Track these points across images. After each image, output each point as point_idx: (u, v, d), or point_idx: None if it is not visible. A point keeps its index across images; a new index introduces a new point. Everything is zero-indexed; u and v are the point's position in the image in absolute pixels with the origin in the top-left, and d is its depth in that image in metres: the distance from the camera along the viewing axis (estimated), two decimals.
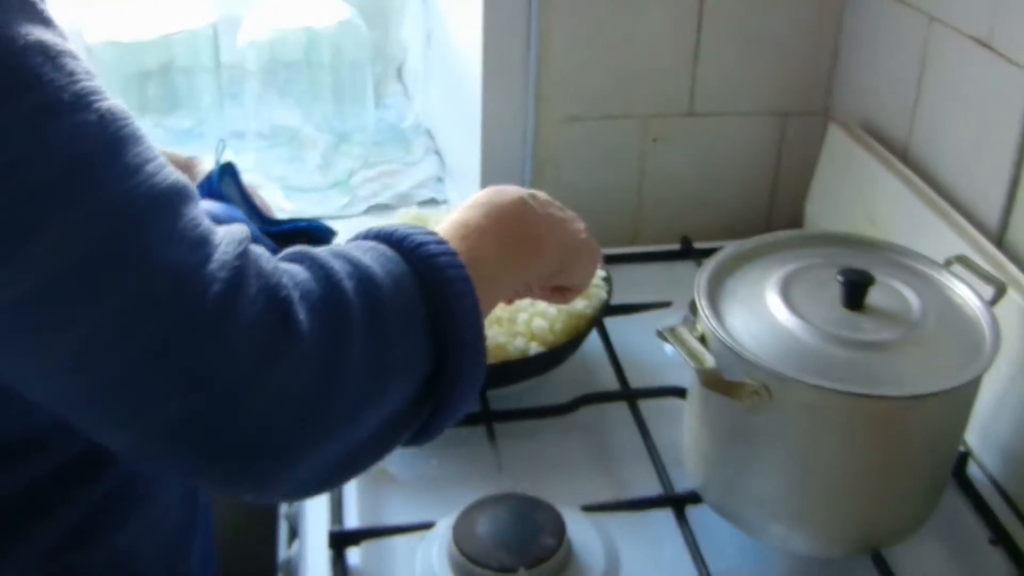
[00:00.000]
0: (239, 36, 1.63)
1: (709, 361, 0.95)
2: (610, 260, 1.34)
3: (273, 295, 0.70)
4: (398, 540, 1.08)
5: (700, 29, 1.53)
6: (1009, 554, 1.08)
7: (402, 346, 0.77)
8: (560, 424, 1.23)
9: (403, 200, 1.66)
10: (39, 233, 0.65)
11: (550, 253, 0.98)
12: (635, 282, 1.43)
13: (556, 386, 1.28)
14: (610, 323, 1.36)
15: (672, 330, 0.99)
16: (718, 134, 1.61)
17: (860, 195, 1.45)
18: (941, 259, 1.10)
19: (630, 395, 1.26)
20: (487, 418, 1.20)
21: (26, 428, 0.82)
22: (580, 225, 1.06)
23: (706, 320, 0.99)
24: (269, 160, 1.68)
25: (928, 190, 1.33)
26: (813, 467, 0.99)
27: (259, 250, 0.73)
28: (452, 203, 1.69)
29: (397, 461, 1.19)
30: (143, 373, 0.67)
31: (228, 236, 0.71)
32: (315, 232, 1.30)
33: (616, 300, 1.32)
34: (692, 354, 0.96)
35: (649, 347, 1.36)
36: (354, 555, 1.07)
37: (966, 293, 1.04)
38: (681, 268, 1.52)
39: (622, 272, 1.36)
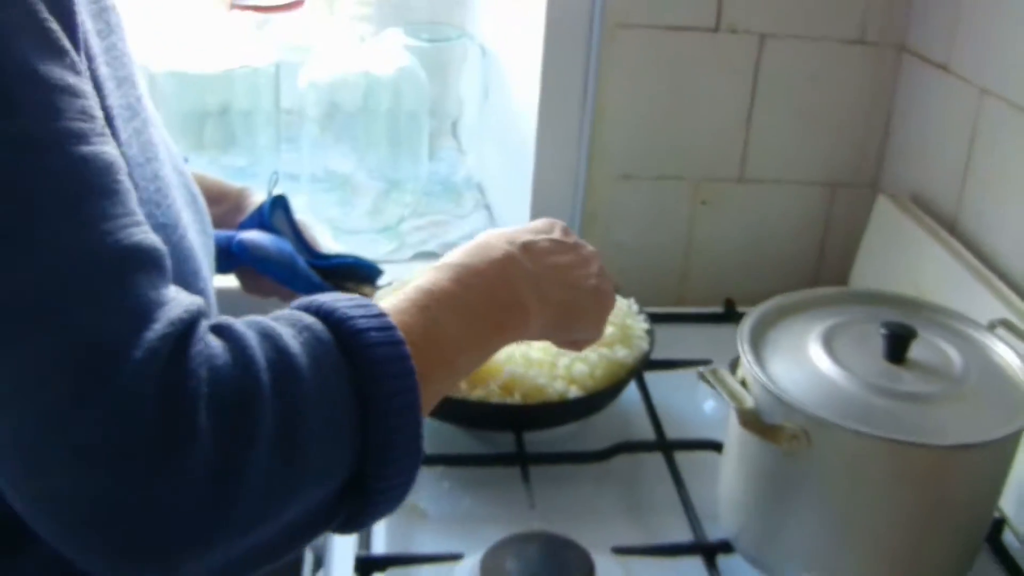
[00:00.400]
0: (300, 77, 1.66)
1: (749, 401, 0.95)
2: (654, 319, 1.34)
3: (179, 390, 0.65)
4: (425, 571, 1.07)
5: (754, 98, 1.55)
6: None
7: (319, 453, 0.70)
8: (595, 471, 1.23)
9: (451, 249, 1.67)
10: None
11: (538, 317, 0.90)
12: (677, 341, 1.42)
13: (593, 434, 1.28)
14: (650, 377, 1.36)
15: (713, 371, 0.99)
16: (767, 201, 1.61)
17: (906, 266, 1.45)
18: (984, 322, 1.10)
19: (666, 446, 1.25)
20: (522, 459, 1.20)
21: None
22: (591, 269, 0.98)
23: (748, 364, 0.99)
24: (321, 203, 1.70)
25: (974, 260, 1.33)
26: (849, 517, 0.98)
27: (198, 329, 0.68)
28: None
29: (428, 497, 1.19)
30: (36, 435, 0.64)
31: (166, 314, 0.67)
32: (362, 270, 1.31)
33: (657, 357, 1.32)
34: (732, 394, 0.97)
35: (687, 403, 1.37)
36: None
37: (1008, 354, 1.04)
38: (724, 331, 1.51)
39: (665, 331, 1.36)
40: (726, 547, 1.09)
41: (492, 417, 1.21)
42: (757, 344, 1.03)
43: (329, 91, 1.66)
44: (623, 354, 1.24)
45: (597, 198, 1.57)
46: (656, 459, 1.24)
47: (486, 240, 0.90)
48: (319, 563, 1.24)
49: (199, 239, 0.93)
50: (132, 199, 0.71)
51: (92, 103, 0.71)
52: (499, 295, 0.86)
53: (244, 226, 1.27)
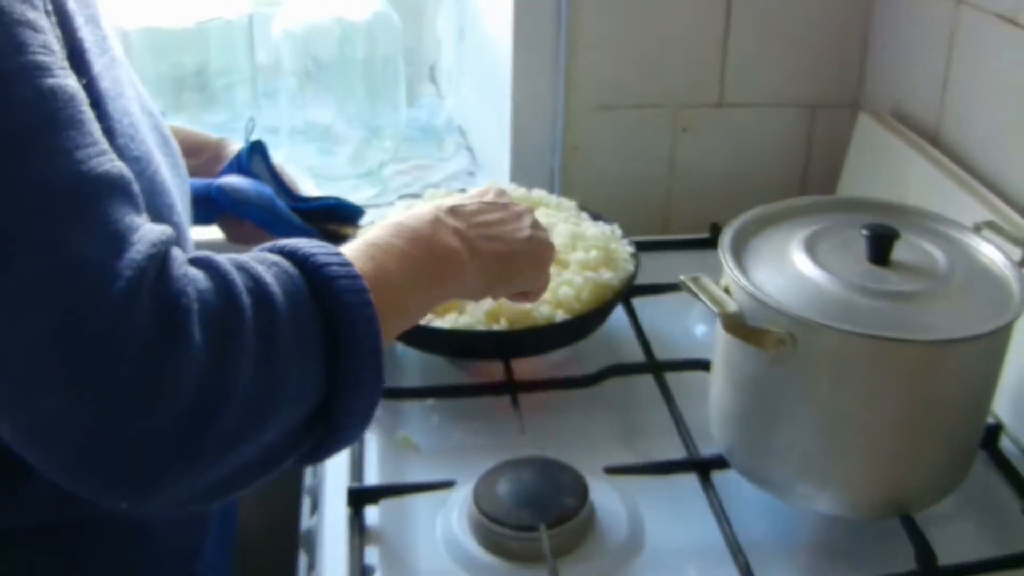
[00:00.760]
0: (273, 26, 1.65)
1: (732, 306, 0.95)
2: (640, 247, 1.33)
3: (172, 304, 0.68)
4: (418, 501, 1.07)
5: (729, 20, 1.54)
6: None
7: (294, 374, 0.73)
8: (585, 396, 1.23)
9: (434, 189, 1.66)
10: None
11: (473, 268, 0.95)
12: (664, 267, 1.41)
13: (582, 360, 1.28)
14: (637, 303, 1.36)
15: (695, 279, 0.98)
16: (748, 125, 1.61)
17: (891, 181, 1.44)
18: (970, 225, 1.09)
19: (656, 367, 1.25)
20: (511, 388, 1.20)
21: None
22: (523, 223, 1.04)
23: (729, 270, 0.98)
24: (302, 154, 1.70)
25: (957, 169, 1.33)
26: (839, 420, 0.97)
27: (175, 253, 0.71)
28: None
29: (419, 430, 1.19)
30: (27, 359, 0.65)
31: (145, 236, 0.69)
32: (343, 210, 1.30)
33: (644, 282, 1.31)
34: (715, 300, 0.96)
35: (676, 326, 1.37)
36: (372, 515, 1.06)
37: (994, 254, 1.03)
38: (710, 256, 1.49)
39: (651, 258, 1.36)
40: (720, 462, 1.09)
41: (480, 345, 1.20)
42: (739, 253, 1.02)
43: (304, 40, 1.65)
44: (608, 276, 1.23)
45: (577, 131, 1.56)
46: (647, 381, 1.24)
47: (418, 208, 0.96)
48: (315, 505, 1.24)
49: (173, 179, 0.93)
50: (96, 129, 0.72)
51: (51, 37, 0.72)
52: (435, 249, 0.92)
53: (223, 173, 1.27)
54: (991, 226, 1.09)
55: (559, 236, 1.26)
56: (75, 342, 0.65)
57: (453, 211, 0.97)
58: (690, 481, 1.09)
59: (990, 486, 1.11)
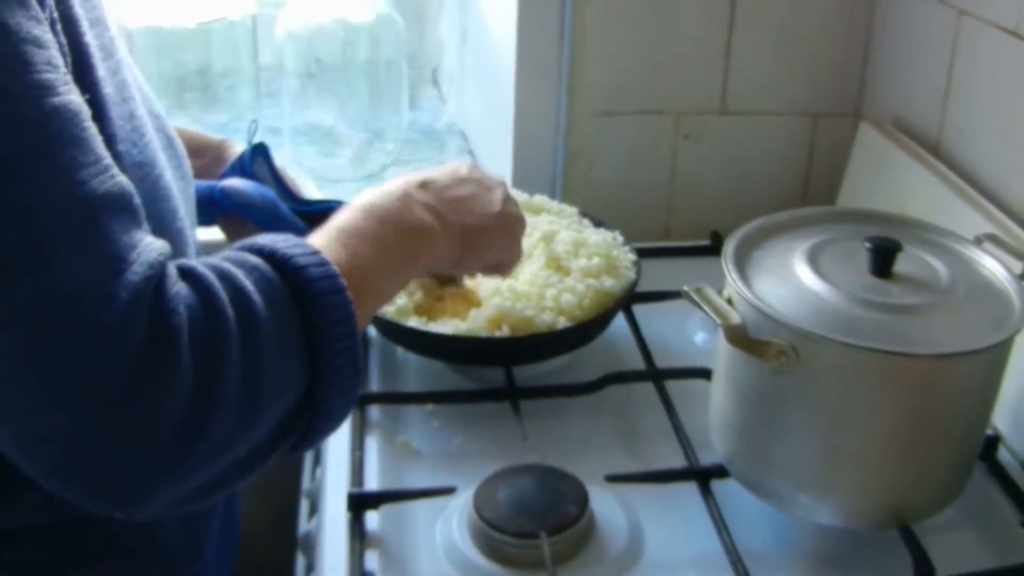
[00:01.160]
0: (277, 28, 1.64)
1: (735, 317, 0.95)
2: (641, 254, 1.33)
3: (165, 324, 0.69)
4: (418, 507, 1.07)
5: (732, 27, 1.54)
6: None
7: (277, 377, 0.76)
8: (586, 403, 1.23)
9: None
10: None
11: (444, 240, 0.97)
12: (664, 274, 1.41)
13: (583, 367, 1.28)
14: (638, 310, 1.36)
15: (698, 289, 0.98)
16: (750, 133, 1.61)
17: (892, 191, 1.44)
18: (971, 238, 1.09)
19: (657, 375, 1.25)
20: (512, 394, 1.20)
21: None
22: (494, 196, 1.05)
23: (733, 281, 0.98)
24: (304, 155, 1.70)
25: (959, 180, 1.33)
26: (840, 432, 0.97)
27: (170, 271, 0.72)
28: None
29: (419, 435, 1.19)
30: (23, 378, 0.67)
31: (142, 256, 0.71)
32: None
33: (645, 289, 1.31)
34: (718, 311, 0.96)
35: (677, 334, 1.37)
36: (373, 520, 1.06)
37: (995, 267, 1.04)
38: (711, 263, 1.49)
39: (652, 265, 1.36)
40: (720, 471, 1.09)
41: (482, 352, 1.20)
42: (742, 263, 1.03)
43: (307, 41, 1.65)
44: (610, 284, 1.23)
45: (579, 136, 1.56)
46: (647, 389, 1.24)
47: (389, 183, 0.97)
48: (314, 508, 1.24)
49: (177, 182, 0.93)
50: (99, 143, 0.73)
51: (55, 52, 0.73)
52: (406, 226, 0.94)
53: (226, 175, 1.27)
54: (992, 239, 1.09)
55: (561, 243, 1.26)
56: (71, 362, 0.67)
57: (424, 185, 0.98)
58: (690, 490, 1.09)
59: (988, 497, 1.11)
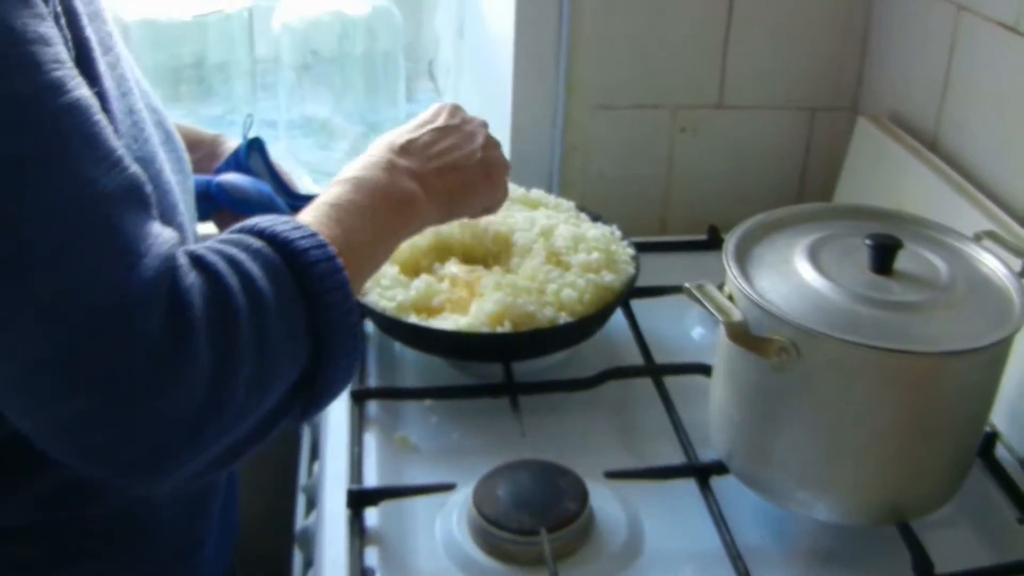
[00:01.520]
0: (273, 21, 1.64)
1: (736, 315, 0.95)
2: (638, 248, 1.33)
3: (181, 315, 0.72)
4: (417, 503, 1.07)
5: (730, 21, 1.54)
6: None
7: (284, 355, 0.80)
8: (585, 398, 1.23)
9: None
10: None
11: (430, 204, 1.01)
12: (662, 269, 1.41)
13: (581, 362, 1.28)
14: (636, 305, 1.36)
15: (700, 286, 0.98)
16: (747, 127, 1.61)
17: (889, 186, 1.44)
18: (969, 235, 1.09)
19: (655, 371, 1.25)
20: (511, 389, 1.20)
21: None
22: (475, 143, 1.08)
23: (734, 278, 0.98)
24: (300, 148, 1.69)
25: (956, 176, 1.33)
26: (840, 428, 0.97)
27: (180, 261, 0.75)
28: None
29: (417, 431, 1.19)
30: (47, 370, 0.70)
31: (155, 247, 0.73)
32: None
33: (643, 284, 1.31)
34: (719, 308, 0.96)
35: (675, 329, 1.37)
36: (372, 517, 1.06)
37: (995, 264, 1.04)
38: (708, 258, 1.51)
39: (649, 260, 1.36)
40: (719, 468, 1.09)
41: (483, 348, 1.20)
42: (742, 260, 1.02)
43: (303, 34, 1.65)
44: (610, 279, 1.23)
45: (576, 130, 1.56)
46: (645, 384, 1.24)
47: (372, 151, 1.02)
48: (311, 504, 1.24)
49: (176, 176, 0.93)
50: (109, 134, 0.74)
51: (61, 48, 0.73)
52: (394, 195, 0.98)
53: (220, 170, 1.27)
54: (991, 236, 1.09)
55: (561, 237, 1.26)
56: (92, 353, 0.69)
57: (405, 149, 1.02)
58: (689, 486, 1.09)
59: (985, 494, 1.12)
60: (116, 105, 0.82)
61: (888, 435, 0.97)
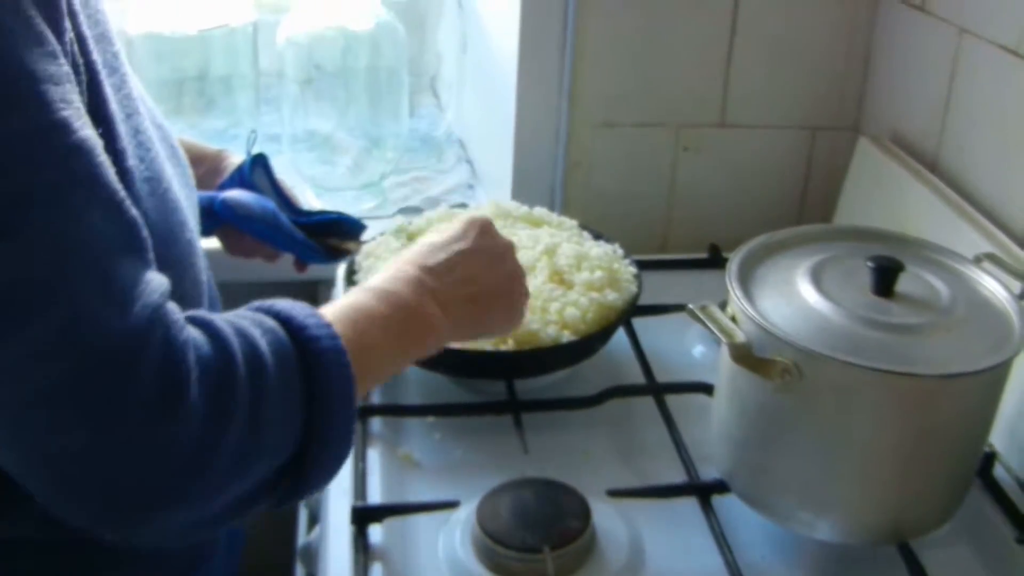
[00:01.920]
0: (278, 35, 1.64)
1: (740, 336, 0.96)
2: (639, 266, 1.34)
3: (174, 370, 0.73)
4: (421, 520, 1.08)
5: (733, 41, 1.55)
6: None
7: (274, 437, 0.79)
8: (587, 416, 1.23)
9: (433, 204, 1.67)
10: None
11: (449, 329, 1.00)
12: (663, 287, 1.42)
13: (583, 380, 1.29)
14: (637, 323, 1.37)
15: (704, 307, 0.99)
16: (748, 146, 1.62)
17: (889, 207, 1.45)
18: (969, 257, 1.10)
19: (657, 390, 1.26)
20: (514, 407, 1.20)
21: None
22: (503, 268, 1.06)
23: (737, 300, 0.99)
24: (302, 163, 1.70)
25: (956, 197, 1.34)
26: (841, 449, 0.98)
27: (175, 316, 0.75)
28: None
29: (420, 448, 1.19)
30: (33, 412, 0.70)
31: (146, 295, 0.73)
32: (345, 224, 1.30)
33: (644, 302, 1.32)
34: (723, 329, 0.97)
35: (676, 347, 1.38)
36: (376, 533, 1.06)
37: (995, 287, 1.05)
38: (709, 276, 1.52)
39: (650, 278, 1.36)
40: (720, 487, 1.10)
41: (486, 365, 1.21)
42: (746, 281, 1.03)
43: (307, 49, 1.65)
44: (613, 297, 1.24)
45: (579, 147, 1.57)
46: (647, 403, 1.25)
47: (403, 265, 1.00)
48: (314, 519, 1.25)
49: (183, 192, 0.94)
50: (111, 177, 0.75)
51: (70, 87, 0.74)
52: (416, 318, 0.97)
53: (224, 186, 1.27)
54: (991, 258, 1.10)
55: (564, 256, 1.27)
56: (78, 399, 0.70)
57: (434, 271, 1.00)
58: (690, 504, 1.10)
59: (983, 514, 1.12)
60: (122, 127, 0.83)
61: (889, 455, 0.98)
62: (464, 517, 1.06)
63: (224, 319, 0.80)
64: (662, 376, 1.29)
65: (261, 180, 1.29)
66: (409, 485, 1.14)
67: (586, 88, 1.53)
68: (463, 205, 1.68)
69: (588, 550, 1.03)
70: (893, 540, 1.02)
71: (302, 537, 1.25)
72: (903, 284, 1.01)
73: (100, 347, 0.70)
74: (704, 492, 1.10)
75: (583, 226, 1.39)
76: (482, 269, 1.04)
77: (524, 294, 1.10)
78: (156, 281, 0.75)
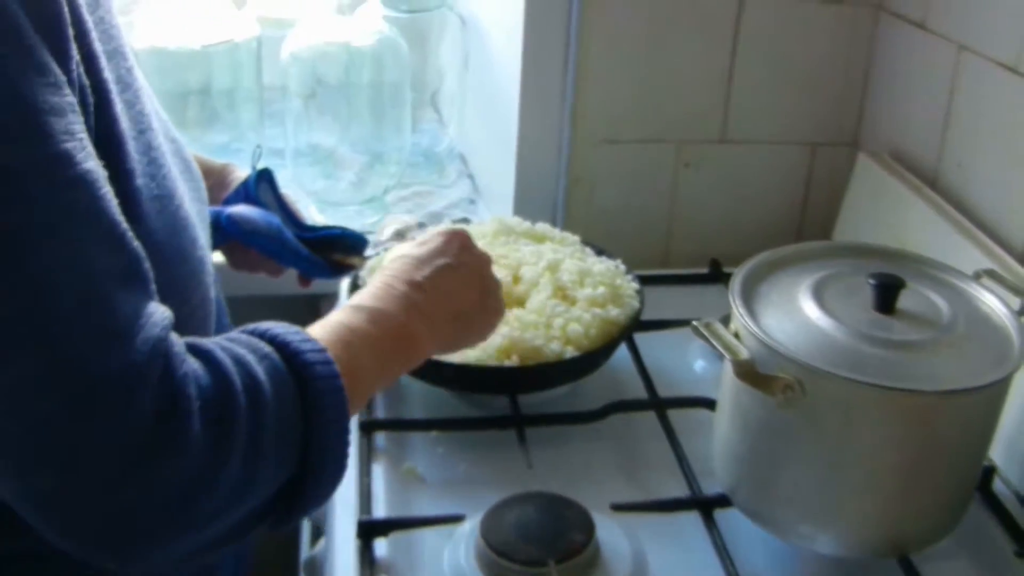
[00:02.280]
0: (282, 51, 1.65)
1: (744, 353, 0.97)
2: (641, 281, 1.35)
3: (174, 404, 0.73)
4: (426, 534, 1.08)
5: (734, 58, 1.56)
6: None
7: (271, 465, 0.79)
8: (590, 431, 1.24)
9: (435, 219, 1.68)
10: None
11: (432, 345, 1.01)
12: (664, 302, 1.43)
13: (586, 395, 1.29)
14: (639, 338, 1.38)
15: (707, 324, 1.00)
16: (749, 162, 1.63)
17: (889, 223, 1.46)
18: (969, 273, 1.11)
19: (659, 404, 1.27)
20: (518, 422, 1.21)
21: None
22: (480, 288, 1.07)
23: (740, 316, 1.00)
24: (305, 177, 1.70)
25: (956, 214, 1.35)
26: (843, 464, 0.99)
27: (176, 350, 0.75)
28: None
29: (424, 462, 1.20)
30: (29, 444, 0.70)
31: (147, 329, 0.73)
32: (348, 240, 1.31)
33: (645, 318, 1.33)
34: (727, 346, 0.98)
35: (678, 362, 1.39)
36: (381, 547, 1.07)
37: (994, 303, 1.06)
38: (710, 291, 1.53)
39: (652, 293, 1.37)
40: (723, 501, 1.10)
41: (490, 380, 1.22)
42: (748, 298, 1.04)
43: (311, 64, 1.66)
44: (615, 313, 1.25)
45: (581, 163, 1.58)
46: (649, 418, 1.26)
47: (389, 281, 1.01)
48: (318, 532, 1.25)
49: (195, 207, 0.94)
50: (114, 210, 0.75)
51: (73, 116, 0.74)
52: (403, 334, 0.97)
53: (229, 201, 1.27)
54: (991, 274, 1.11)
55: (567, 272, 1.28)
56: (69, 434, 0.70)
57: (421, 287, 1.01)
58: (693, 519, 1.11)
59: (983, 528, 1.13)
60: (133, 145, 0.83)
61: (890, 470, 0.99)
62: (469, 531, 1.07)
63: (221, 347, 0.80)
64: (664, 391, 1.30)
65: (266, 195, 1.29)
66: (414, 499, 1.15)
67: (588, 104, 1.54)
68: (465, 220, 1.68)
69: (592, 564, 1.04)
70: (894, 554, 1.03)
71: (306, 550, 1.26)
72: (904, 300, 1.02)
73: (96, 380, 0.70)
74: (706, 506, 1.11)
75: (585, 242, 1.40)
76: (463, 285, 1.05)
77: (499, 310, 1.11)
78: (158, 314, 0.76)
